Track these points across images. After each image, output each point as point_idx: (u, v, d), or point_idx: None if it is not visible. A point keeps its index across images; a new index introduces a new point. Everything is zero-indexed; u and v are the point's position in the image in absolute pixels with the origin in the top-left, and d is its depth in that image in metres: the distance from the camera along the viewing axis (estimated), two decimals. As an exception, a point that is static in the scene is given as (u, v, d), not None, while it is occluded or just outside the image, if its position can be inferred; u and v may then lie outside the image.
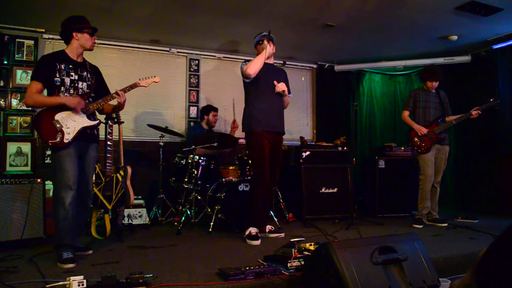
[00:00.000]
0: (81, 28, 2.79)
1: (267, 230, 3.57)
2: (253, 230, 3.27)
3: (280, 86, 3.48)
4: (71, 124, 2.70)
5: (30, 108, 4.55)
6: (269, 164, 3.38)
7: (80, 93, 2.81)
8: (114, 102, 2.98)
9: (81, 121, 2.75)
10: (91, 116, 2.84)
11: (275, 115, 3.49)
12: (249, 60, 3.44)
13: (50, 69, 2.71)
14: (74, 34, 2.79)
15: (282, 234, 3.57)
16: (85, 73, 2.87)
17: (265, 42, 3.43)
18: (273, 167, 3.47)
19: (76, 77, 2.82)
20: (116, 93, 2.90)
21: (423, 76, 4.39)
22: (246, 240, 3.22)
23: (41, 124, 2.65)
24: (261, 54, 3.38)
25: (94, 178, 3.11)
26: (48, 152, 4.62)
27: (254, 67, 3.34)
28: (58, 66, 2.74)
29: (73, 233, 2.71)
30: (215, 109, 5.00)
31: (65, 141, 2.65)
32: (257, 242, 3.10)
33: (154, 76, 3.15)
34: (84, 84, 2.86)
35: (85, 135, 2.79)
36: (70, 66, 2.80)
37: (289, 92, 3.64)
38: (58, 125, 2.66)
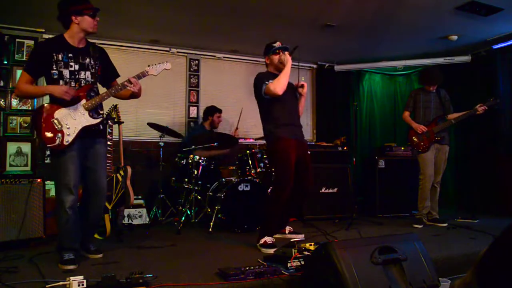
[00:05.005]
0: (80, 10, 2.51)
1: (287, 231, 3.49)
2: (268, 239, 3.04)
3: (306, 86, 3.37)
4: (71, 123, 2.52)
5: (30, 108, 4.55)
6: (300, 171, 3.17)
7: (83, 84, 2.61)
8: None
9: (82, 120, 2.56)
10: (94, 112, 2.63)
11: (298, 127, 3.33)
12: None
13: (45, 61, 2.51)
14: (73, 17, 2.52)
15: (302, 236, 3.44)
16: (87, 60, 2.64)
17: (287, 55, 3.19)
18: (307, 173, 3.26)
19: (77, 66, 2.59)
20: (129, 81, 2.63)
21: (424, 82, 4.36)
22: (261, 249, 2.98)
23: (40, 124, 2.48)
24: (286, 71, 3.14)
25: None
26: (48, 152, 4.61)
27: (282, 85, 3.10)
28: (55, 57, 2.52)
29: (75, 236, 2.66)
30: (220, 111, 4.99)
31: (65, 143, 2.49)
32: (272, 251, 2.84)
33: (166, 62, 2.80)
34: (88, 73, 2.63)
35: (89, 132, 2.60)
36: (70, 54, 2.56)
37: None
38: (58, 125, 2.49)
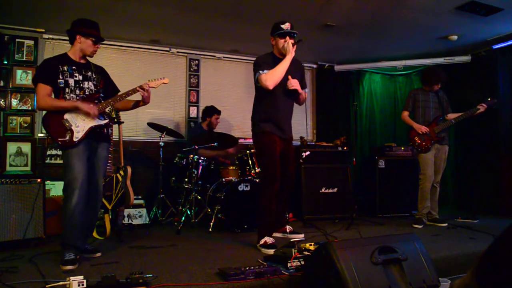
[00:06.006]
0: (86, 33, 2.77)
1: (287, 231, 3.47)
2: (268, 239, 3.00)
3: (293, 83, 3.09)
4: (80, 123, 2.69)
5: (30, 108, 4.55)
6: (281, 166, 3.16)
7: (87, 93, 2.79)
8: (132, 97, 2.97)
9: (90, 121, 2.73)
10: (100, 115, 2.81)
11: (287, 122, 3.26)
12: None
13: (52, 72, 2.70)
14: (77, 36, 2.77)
15: (302, 236, 3.42)
16: (89, 73, 2.85)
17: (290, 44, 3.02)
18: (288, 168, 3.26)
19: (81, 77, 2.79)
20: (141, 87, 2.86)
21: (427, 81, 4.33)
22: (261, 249, 2.97)
23: (50, 123, 2.64)
24: (284, 64, 2.99)
25: None
26: (48, 152, 4.62)
27: (275, 80, 2.96)
28: (61, 68, 2.72)
29: (78, 234, 2.68)
30: (219, 112, 4.97)
31: (75, 139, 2.64)
32: (272, 251, 2.82)
33: (164, 78, 3.06)
34: (90, 83, 2.83)
35: (95, 134, 2.77)
36: (73, 67, 2.78)
37: (305, 87, 3.30)
38: (67, 124, 2.65)
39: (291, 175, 3.34)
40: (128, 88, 2.89)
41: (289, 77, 3.11)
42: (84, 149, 2.69)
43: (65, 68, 2.74)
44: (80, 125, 2.69)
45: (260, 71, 3.03)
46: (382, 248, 2.07)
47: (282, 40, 3.09)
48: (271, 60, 3.12)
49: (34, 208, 3.19)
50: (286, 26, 3.10)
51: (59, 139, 2.62)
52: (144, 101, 2.99)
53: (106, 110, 2.95)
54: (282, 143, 3.21)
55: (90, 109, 2.69)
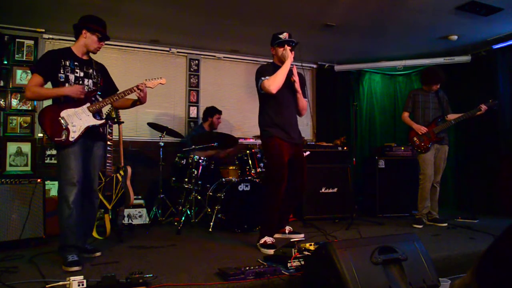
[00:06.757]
0: (93, 29, 2.76)
1: (287, 231, 3.49)
2: (268, 239, 3.04)
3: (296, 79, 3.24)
4: (77, 122, 2.67)
5: (30, 108, 4.56)
6: (292, 170, 3.17)
7: (85, 89, 2.77)
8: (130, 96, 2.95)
9: (87, 120, 2.71)
10: (97, 115, 2.80)
11: (293, 129, 3.25)
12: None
13: (54, 65, 2.68)
14: (83, 31, 2.76)
15: (302, 236, 3.44)
16: (90, 71, 2.84)
17: (288, 51, 3.13)
18: (297, 174, 3.25)
19: (82, 74, 2.78)
20: (137, 86, 2.84)
21: (426, 81, 4.33)
22: (261, 249, 2.99)
23: (46, 121, 2.61)
24: (283, 69, 3.09)
25: None
26: (48, 152, 4.62)
27: (278, 84, 3.05)
28: (63, 62, 2.71)
29: (78, 233, 2.67)
30: (220, 112, 4.98)
31: (71, 139, 2.61)
32: (272, 251, 2.84)
33: (160, 78, 3.06)
34: (90, 81, 2.82)
35: (91, 133, 2.76)
36: (76, 63, 2.77)
37: (304, 96, 3.35)
38: (63, 123, 2.63)
39: (304, 179, 3.30)
40: (127, 88, 2.87)
41: (292, 77, 3.22)
42: (80, 148, 2.67)
43: (67, 63, 2.72)
44: (76, 124, 2.66)
45: (263, 78, 3.12)
46: (382, 248, 2.08)
47: (281, 49, 3.20)
48: (272, 68, 3.20)
49: (31, 207, 3.17)
50: (284, 36, 3.23)
51: (55, 138, 2.59)
52: (141, 101, 2.97)
53: (105, 110, 2.94)
54: (291, 148, 3.20)
55: (79, 93, 2.65)
